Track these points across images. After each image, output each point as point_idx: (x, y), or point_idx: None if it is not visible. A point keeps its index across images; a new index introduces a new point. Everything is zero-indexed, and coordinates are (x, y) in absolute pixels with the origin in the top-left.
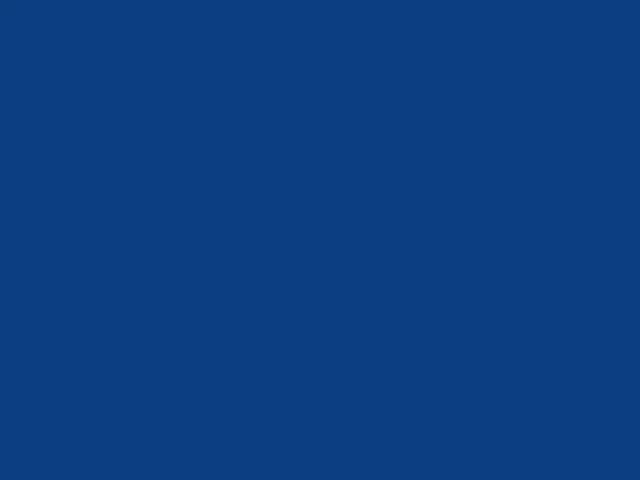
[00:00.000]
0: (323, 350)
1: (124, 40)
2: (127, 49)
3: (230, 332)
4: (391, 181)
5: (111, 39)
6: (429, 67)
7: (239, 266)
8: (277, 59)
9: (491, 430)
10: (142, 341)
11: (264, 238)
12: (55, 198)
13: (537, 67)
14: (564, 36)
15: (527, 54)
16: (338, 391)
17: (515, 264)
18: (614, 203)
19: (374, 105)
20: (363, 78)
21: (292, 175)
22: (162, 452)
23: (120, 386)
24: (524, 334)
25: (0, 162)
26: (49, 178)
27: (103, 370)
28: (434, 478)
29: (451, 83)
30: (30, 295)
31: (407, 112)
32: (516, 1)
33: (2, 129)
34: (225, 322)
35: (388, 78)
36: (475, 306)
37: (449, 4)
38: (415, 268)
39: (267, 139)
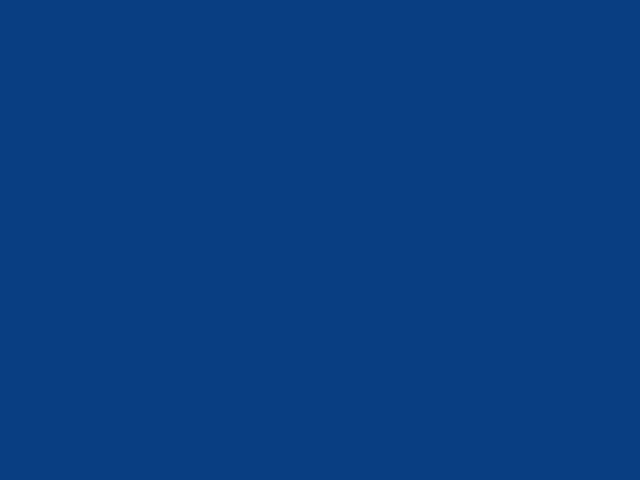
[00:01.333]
0: (323, 350)
1: (124, 40)
2: (127, 49)
3: (230, 331)
4: (390, 181)
5: (111, 39)
6: (429, 67)
7: (238, 266)
8: (277, 59)
9: (491, 430)
10: (142, 340)
11: (263, 237)
12: (54, 197)
13: (537, 67)
14: (564, 36)
15: (527, 54)
16: (338, 391)
17: (515, 264)
18: (614, 203)
19: (374, 105)
20: (363, 78)
21: (291, 175)
22: (162, 452)
23: (119, 385)
24: (524, 334)
25: (0, 162)
26: (48, 177)
27: (103, 370)
28: (434, 478)
29: (451, 83)
30: (30, 295)
31: (407, 112)
32: (516, 1)
33: (2, 129)
34: (225, 321)
35: (388, 78)
36: (475, 306)
37: (449, 4)
38: (414, 268)
39: (266, 139)
